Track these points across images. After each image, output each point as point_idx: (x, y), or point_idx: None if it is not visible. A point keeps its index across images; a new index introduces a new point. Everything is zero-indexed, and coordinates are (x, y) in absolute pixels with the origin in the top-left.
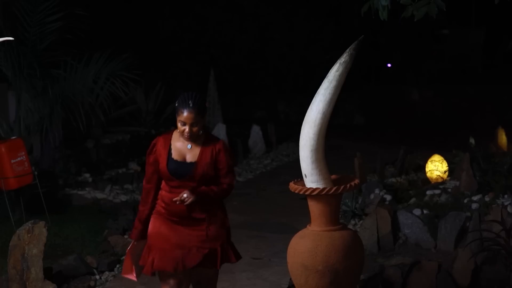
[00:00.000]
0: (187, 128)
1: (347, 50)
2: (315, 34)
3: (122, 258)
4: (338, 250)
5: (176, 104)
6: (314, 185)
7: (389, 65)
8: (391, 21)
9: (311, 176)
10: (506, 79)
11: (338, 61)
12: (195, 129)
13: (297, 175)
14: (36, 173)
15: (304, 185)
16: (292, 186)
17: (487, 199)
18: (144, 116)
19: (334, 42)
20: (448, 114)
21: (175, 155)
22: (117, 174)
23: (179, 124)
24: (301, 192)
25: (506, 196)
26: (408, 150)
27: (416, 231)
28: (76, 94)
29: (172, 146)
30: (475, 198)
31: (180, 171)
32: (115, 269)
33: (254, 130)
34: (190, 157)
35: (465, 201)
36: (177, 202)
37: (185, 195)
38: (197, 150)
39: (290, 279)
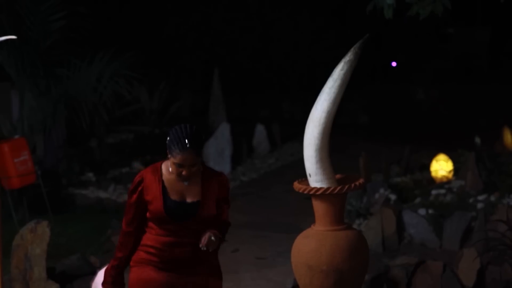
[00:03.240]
0: (184, 171)
1: (352, 49)
2: (319, 32)
3: None
4: (343, 250)
5: (169, 143)
6: (318, 185)
7: (394, 64)
8: (396, 19)
9: (315, 175)
10: (511, 78)
11: (343, 59)
12: (194, 169)
13: (302, 175)
14: (39, 172)
15: (308, 184)
16: (296, 185)
17: (492, 198)
18: (148, 115)
19: (338, 41)
20: (454, 113)
21: (172, 194)
22: (120, 174)
23: (174, 166)
24: (305, 192)
25: (511, 195)
26: (413, 149)
27: (421, 231)
28: (80, 93)
29: (165, 183)
30: (480, 197)
31: (181, 213)
32: None
33: (259, 129)
34: (190, 196)
35: (471, 200)
36: (203, 248)
37: (213, 238)
38: (197, 187)
39: (294, 279)
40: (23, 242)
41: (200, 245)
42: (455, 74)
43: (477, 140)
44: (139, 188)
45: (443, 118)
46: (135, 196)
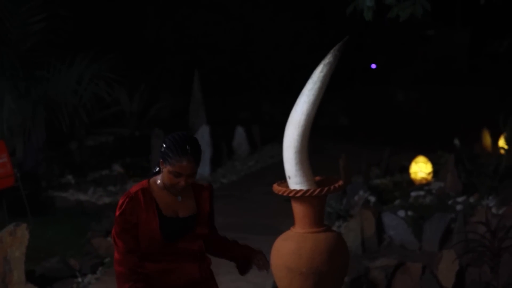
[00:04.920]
0: (183, 181)
1: (332, 51)
2: (300, 34)
3: (105, 261)
4: (322, 252)
5: (166, 150)
6: (298, 187)
7: (373, 66)
8: (376, 22)
9: (295, 177)
10: (491, 81)
11: (322, 62)
12: (191, 179)
13: (282, 177)
14: (18, 175)
15: (288, 186)
16: (276, 187)
17: (472, 200)
18: (128, 118)
19: (319, 43)
20: (433, 115)
21: (165, 211)
22: (100, 176)
23: (170, 176)
24: (285, 194)
25: (491, 197)
26: (392, 151)
27: (401, 232)
28: (60, 95)
29: (157, 200)
30: (460, 199)
31: (176, 231)
32: (98, 271)
33: (239, 131)
34: (184, 211)
35: (450, 202)
36: (267, 272)
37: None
38: (190, 200)
39: (274, 281)
40: (2, 245)
41: (261, 270)
42: (434, 76)
43: (457, 142)
44: (131, 210)
45: (423, 120)
46: (130, 219)
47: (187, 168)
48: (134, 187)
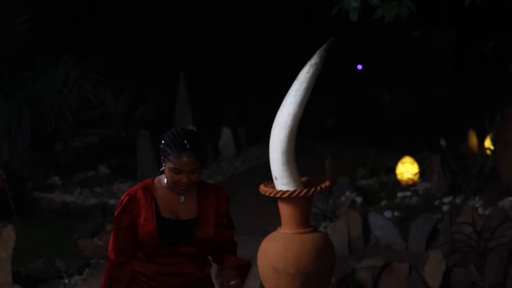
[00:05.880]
0: (184, 178)
1: (318, 52)
2: (285, 35)
3: (91, 262)
4: (309, 253)
5: (164, 147)
6: (284, 188)
7: (359, 67)
8: (361, 22)
9: (281, 178)
10: (476, 81)
11: (308, 63)
12: (194, 176)
13: (268, 178)
14: (4, 176)
15: (274, 187)
16: (263, 188)
17: (458, 201)
18: (114, 119)
19: (304, 44)
20: (419, 116)
21: (165, 212)
22: (86, 177)
23: (171, 173)
24: (271, 195)
25: (477, 198)
26: (379, 152)
27: (387, 233)
28: (45, 96)
29: (157, 200)
30: (446, 200)
31: (175, 234)
32: (84, 272)
33: (225, 132)
34: (185, 213)
35: (436, 203)
36: None
37: (232, 283)
38: (193, 203)
39: (261, 282)
40: None
41: None
42: (420, 77)
43: (443, 142)
44: (129, 209)
45: (409, 121)
46: (125, 218)
47: (187, 164)
48: (136, 185)
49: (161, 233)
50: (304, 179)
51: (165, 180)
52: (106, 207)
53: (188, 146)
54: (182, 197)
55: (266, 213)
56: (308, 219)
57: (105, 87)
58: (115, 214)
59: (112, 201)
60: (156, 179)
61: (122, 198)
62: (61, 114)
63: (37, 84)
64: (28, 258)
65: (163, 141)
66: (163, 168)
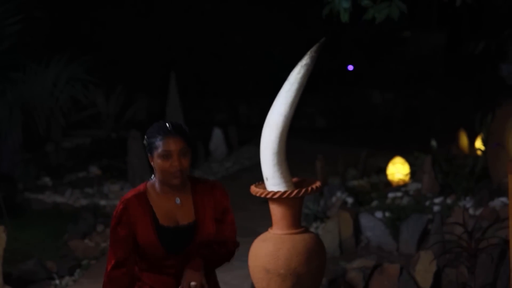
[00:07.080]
0: (175, 162)
1: (308, 53)
2: (276, 36)
3: (82, 263)
4: (300, 254)
5: (148, 139)
6: (275, 188)
7: (350, 67)
8: (352, 23)
9: (272, 179)
10: (467, 82)
11: (299, 63)
12: (185, 161)
13: (259, 178)
14: None
15: (265, 188)
16: (253, 189)
17: (449, 201)
18: (105, 119)
19: (296, 44)
20: (410, 117)
21: (163, 220)
22: (77, 178)
23: (159, 161)
24: (262, 196)
25: (468, 198)
26: (369, 153)
27: (378, 233)
28: (36, 97)
29: (154, 208)
30: (437, 200)
31: (177, 241)
32: (75, 273)
33: (216, 133)
34: (184, 218)
35: (427, 203)
36: None
37: (192, 283)
38: (189, 204)
39: (252, 283)
40: None
41: None
42: (411, 78)
43: (433, 143)
44: (125, 218)
45: (400, 121)
46: (122, 229)
47: (174, 143)
48: (129, 192)
49: (163, 243)
50: (295, 179)
51: (157, 184)
52: (97, 208)
53: (171, 129)
54: (178, 199)
55: (257, 214)
56: (299, 220)
57: (96, 88)
58: (111, 225)
59: (103, 202)
60: (148, 185)
61: (117, 208)
62: (52, 115)
63: (28, 85)
64: (19, 259)
65: (146, 136)
66: (153, 176)
